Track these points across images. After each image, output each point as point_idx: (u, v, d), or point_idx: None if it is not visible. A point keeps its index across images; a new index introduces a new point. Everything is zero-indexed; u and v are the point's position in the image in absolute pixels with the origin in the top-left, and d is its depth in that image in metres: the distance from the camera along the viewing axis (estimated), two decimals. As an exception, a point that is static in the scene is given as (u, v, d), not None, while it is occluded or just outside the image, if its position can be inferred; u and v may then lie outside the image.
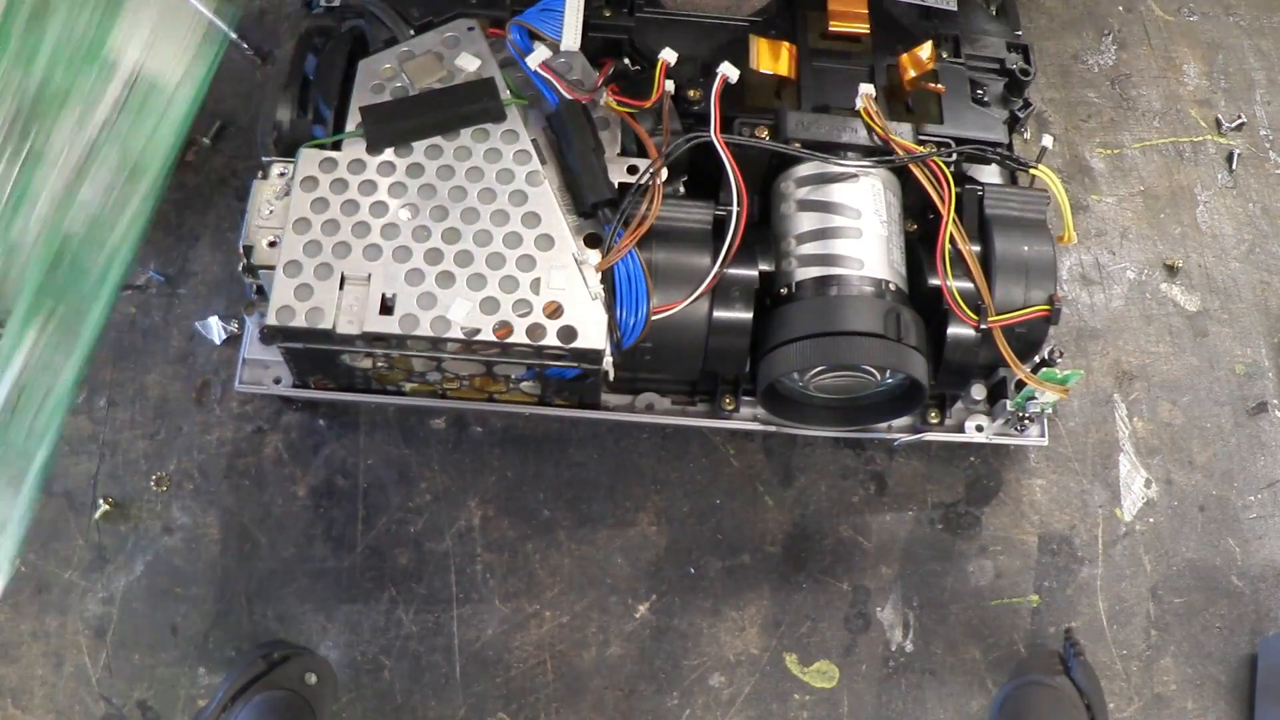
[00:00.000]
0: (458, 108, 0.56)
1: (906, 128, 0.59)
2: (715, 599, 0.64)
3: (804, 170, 0.57)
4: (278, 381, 0.60)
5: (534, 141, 0.56)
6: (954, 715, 0.63)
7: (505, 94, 0.57)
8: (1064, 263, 0.74)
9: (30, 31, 0.52)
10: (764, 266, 0.56)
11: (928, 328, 0.56)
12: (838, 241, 0.56)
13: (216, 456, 0.66)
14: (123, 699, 0.61)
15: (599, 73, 0.58)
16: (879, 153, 0.58)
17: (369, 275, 0.53)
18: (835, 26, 0.62)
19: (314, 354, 0.55)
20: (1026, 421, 0.61)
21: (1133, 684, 0.64)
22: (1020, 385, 0.58)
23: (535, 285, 0.53)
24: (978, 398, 0.62)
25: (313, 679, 0.58)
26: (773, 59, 0.59)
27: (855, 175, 0.57)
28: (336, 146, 0.55)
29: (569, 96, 0.56)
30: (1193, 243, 0.75)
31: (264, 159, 0.57)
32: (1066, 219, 0.57)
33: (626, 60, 0.60)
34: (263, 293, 0.56)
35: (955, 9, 0.65)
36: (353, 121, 0.56)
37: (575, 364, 0.54)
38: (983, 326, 0.55)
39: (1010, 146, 0.63)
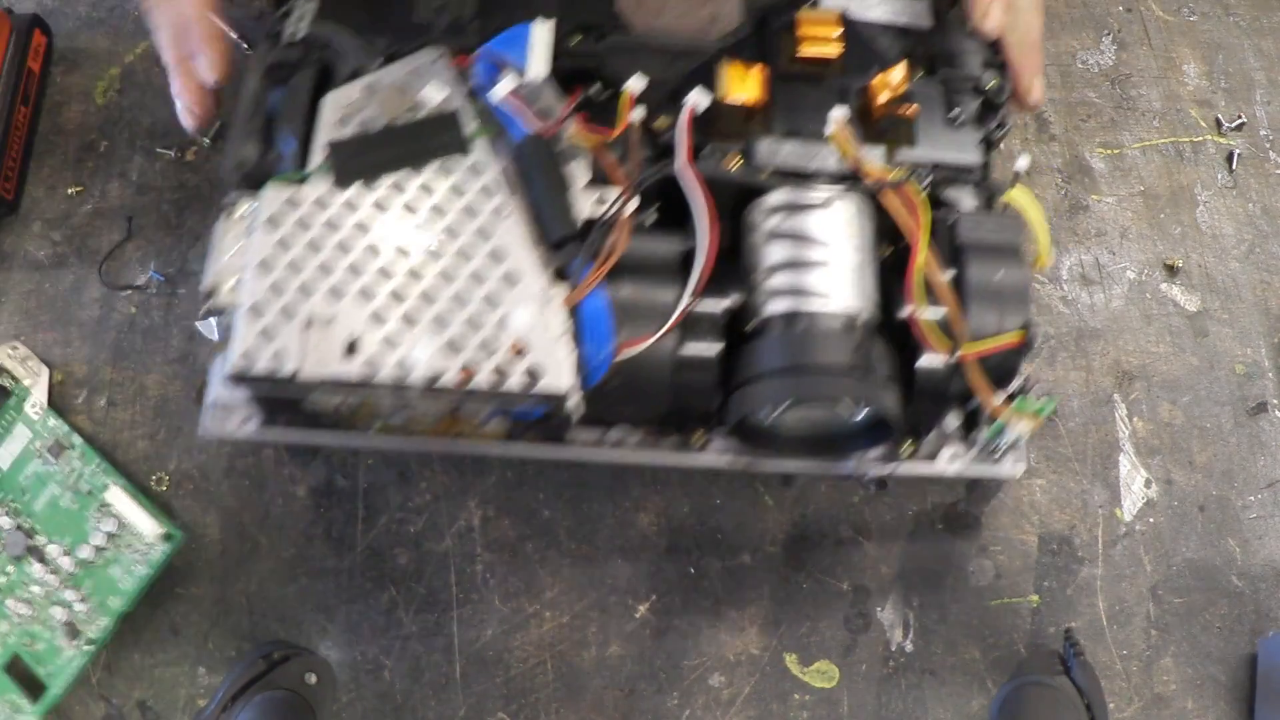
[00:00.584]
0: (423, 142, 0.55)
1: (878, 152, 0.58)
2: (715, 599, 0.64)
3: (775, 199, 0.56)
4: (245, 422, 0.58)
5: (501, 172, 0.55)
6: (954, 715, 0.63)
7: (473, 125, 0.56)
8: (1064, 263, 0.74)
9: None
10: (733, 299, 0.55)
11: (901, 357, 0.55)
12: (808, 273, 0.55)
13: (216, 456, 0.66)
14: (123, 699, 0.61)
15: (567, 101, 0.56)
16: (851, 179, 0.57)
17: (333, 318, 0.51)
18: (806, 50, 0.60)
19: (278, 397, 0.54)
20: (1001, 453, 0.60)
21: (1133, 684, 0.64)
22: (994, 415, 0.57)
23: (500, 324, 0.52)
24: (952, 427, 0.61)
25: (313, 679, 0.58)
26: (742, 86, 0.57)
27: (826, 203, 0.55)
28: (301, 183, 0.54)
29: (534, 128, 0.55)
30: (1193, 243, 0.75)
31: (227, 198, 0.55)
32: (1041, 243, 0.56)
33: (596, 87, 0.59)
34: (228, 333, 0.55)
35: (931, 26, 0.64)
36: (317, 157, 0.54)
37: (541, 404, 0.53)
38: (955, 356, 0.54)
39: (987, 167, 0.61)
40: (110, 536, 0.62)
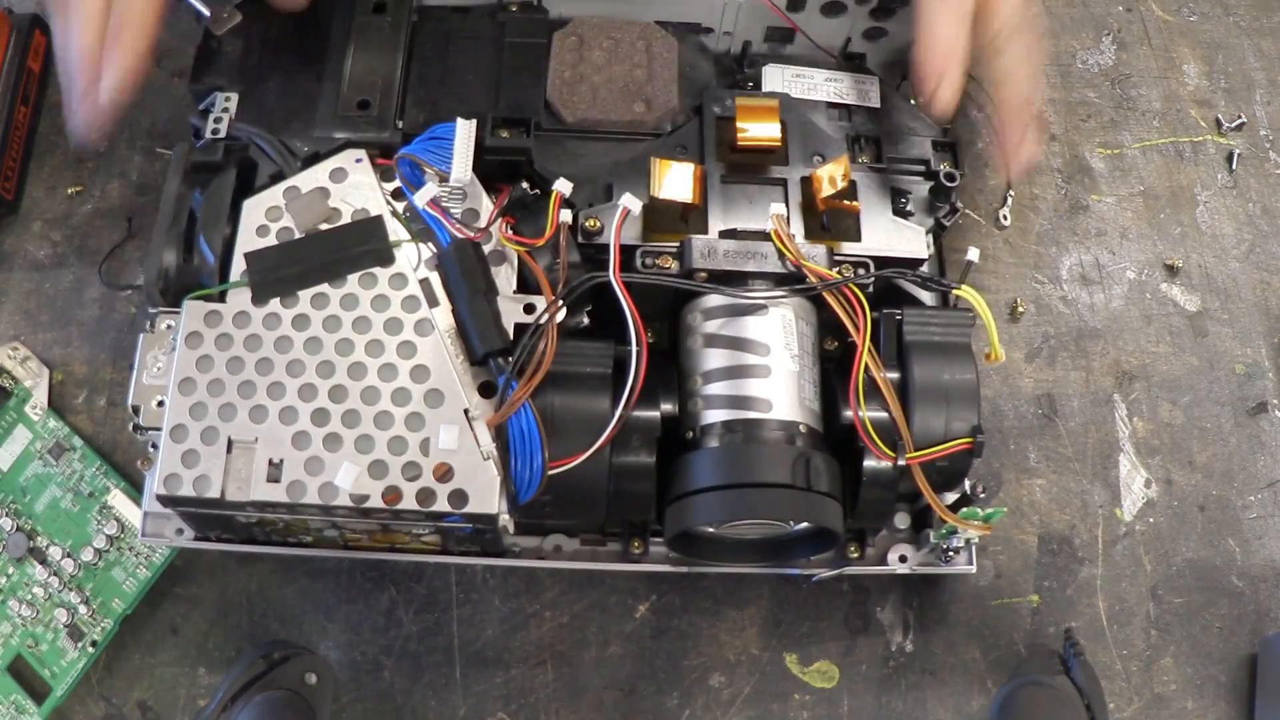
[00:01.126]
0: (344, 250, 0.54)
1: (820, 250, 0.55)
2: (715, 599, 0.64)
3: (711, 301, 0.54)
4: (180, 533, 0.58)
5: (425, 282, 0.54)
6: (954, 715, 0.63)
7: (397, 231, 0.54)
8: (1064, 263, 0.74)
9: None
10: (667, 408, 0.53)
11: (845, 462, 0.54)
12: (746, 381, 0.53)
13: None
14: (123, 699, 0.61)
15: (495, 202, 0.55)
16: (790, 279, 0.54)
17: (255, 439, 0.50)
18: (745, 139, 0.58)
19: (208, 515, 0.53)
20: (951, 554, 0.59)
21: (1133, 684, 0.64)
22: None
23: (424, 446, 0.51)
24: (901, 526, 0.60)
25: (313, 679, 0.58)
26: (675, 184, 0.55)
27: (765, 306, 0.53)
28: (222, 297, 0.53)
29: (458, 236, 0.53)
30: (1193, 243, 0.75)
31: (150, 310, 0.54)
32: (992, 338, 0.54)
33: (525, 185, 0.57)
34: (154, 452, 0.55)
35: (878, 105, 0.62)
36: (239, 266, 0.53)
37: (470, 525, 0.52)
38: (901, 462, 0.52)
39: (941, 254, 0.60)
40: (112, 539, 0.62)
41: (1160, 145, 0.78)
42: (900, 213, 0.59)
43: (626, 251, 0.54)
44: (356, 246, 0.54)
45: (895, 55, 0.66)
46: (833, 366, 0.56)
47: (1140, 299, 0.74)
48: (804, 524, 0.54)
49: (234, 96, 0.59)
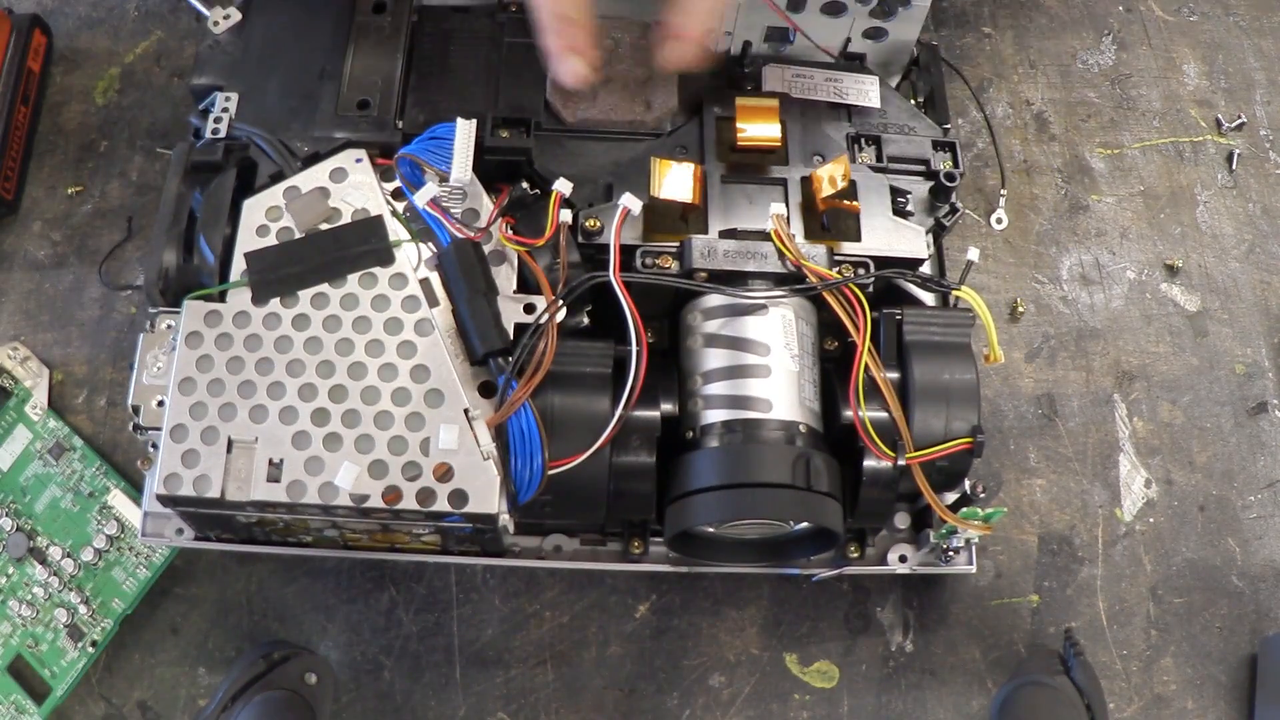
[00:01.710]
0: (344, 250, 0.54)
1: (820, 250, 0.55)
2: (715, 599, 0.64)
3: (711, 301, 0.54)
4: (180, 532, 0.58)
5: (425, 282, 0.54)
6: (954, 715, 0.63)
7: (396, 231, 0.54)
8: (1064, 263, 0.74)
9: None
10: (667, 408, 0.53)
11: (845, 462, 0.53)
12: (746, 381, 0.53)
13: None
14: (122, 699, 0.61)
15: (495, 202, 0.55)
16: (790, 279, 0.54)
17: (255, 439, 0.50)
18: (745, 139, 0.58)
19: (208, 515, 0.53)
20: (951, 554, 0.59)
21: (1133, 684, 0.64)
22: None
23: (424, 446, 0.51)
24: (901, 526, 0.60)
25: (313, 679, 0.58)
26: (675, 184, 0.55)
27: (765, 306, 0.53)
28: (222, 296, 0.53)
29: (458, 236, 0.53)
30: (1193, 243, 0.75)
31: (150, 310, 0.54)
32: (991, 340, 0.54)
33: (525, 185, 0.57)
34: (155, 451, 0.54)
35: (878, 105, 0.62)
36: (239, 266, 0.53)
37: (470, 525, 0.52)
38: (900, 462, 0.52)
39: (941, 254, 0.60)
40: (112, 539, 0.62)
41: (1160, 145, 0.78)
42: (900, 213, 0.59)
43: (626, 251, 0.54)
44: (356, 246, 0.54)
45: (895, 55, 0.66)
46: (833, 366, 0.56)
47: (1140, 299, 0.74)
48: (804, 524, 0.54)
49: (234, 96, 0.59)
